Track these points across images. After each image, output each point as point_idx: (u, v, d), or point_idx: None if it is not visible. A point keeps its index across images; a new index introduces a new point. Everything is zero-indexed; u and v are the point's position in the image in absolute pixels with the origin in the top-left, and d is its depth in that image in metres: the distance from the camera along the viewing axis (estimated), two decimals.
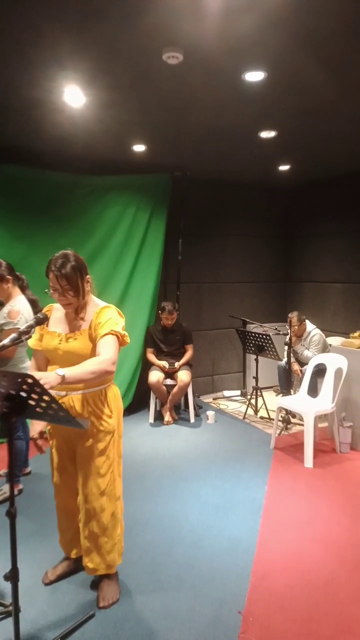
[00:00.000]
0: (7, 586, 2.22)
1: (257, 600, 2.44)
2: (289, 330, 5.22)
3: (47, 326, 2.37)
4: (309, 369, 4.76)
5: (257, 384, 5.48)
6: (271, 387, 6.43)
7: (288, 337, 5.24)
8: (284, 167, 5.62)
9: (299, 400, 4.55)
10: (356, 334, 4.68)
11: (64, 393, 2.26)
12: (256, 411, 5.54)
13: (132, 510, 3.25)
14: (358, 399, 4.42)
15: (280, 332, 5.66)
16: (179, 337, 5.38)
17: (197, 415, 5.48)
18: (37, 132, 4.21)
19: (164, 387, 5.22)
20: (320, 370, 4.71)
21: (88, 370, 2.04)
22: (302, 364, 5.37)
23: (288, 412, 5.08)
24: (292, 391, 5.30)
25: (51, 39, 2.60)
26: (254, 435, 4.90)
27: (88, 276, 2.32)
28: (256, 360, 5.46)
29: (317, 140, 4.55)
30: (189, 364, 5.35)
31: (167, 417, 5.26)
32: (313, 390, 4.73)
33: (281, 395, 5.55)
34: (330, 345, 5.00)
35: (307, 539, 3.00)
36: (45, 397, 1.71)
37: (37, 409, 1.78)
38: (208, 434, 4.95)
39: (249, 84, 3.20)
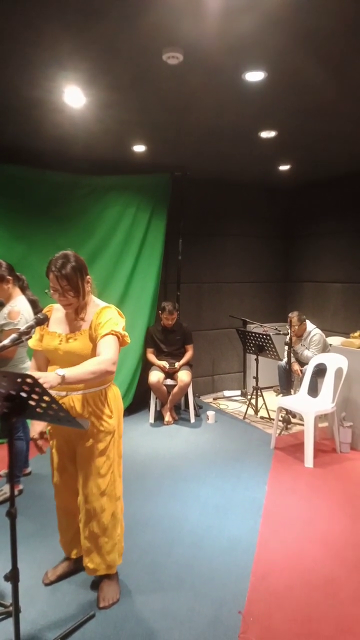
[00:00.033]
0: (8, 586, 2.22)
1: (257, 600, 2.44)
2: (289, 330, 5.22)
3: (47, 326, 2.37)
4: (309, 369, 4.76)
5: (257, 384, 5.48)
6: (271, 387, 6.42)
7: (288, 337, 5.24)
8: (284, 167, 5.62)
9: (299, 400, 4.55)
10: (356, 334, 4.68)
11: (64, 393, 2.26)
12: (256, 411, 5.54)
13: (132, 511, 3.25)
14: (358, 399, 4.42)
15: (281, 332, 5.66)
16: (179, 337, 5.38)
17: (197, 415, 5.48)
18: (37, 132, 4.21)
19: (164, 387, 5.22)
20: (320, 370, 4.71)
21: (88, 371, 2.04)
22: (303, 364, 5.37)
23: (288, 412, 5.08)
24: (292, 391, 5.30)
25: (51, 38, 2.60)
26: (254, 435, 4.90)
27: (88, 276, 2.32)
28: (256, 360, 5.46)
29: (317, 140, 4.55)
30: (189, 364, 5.35)
31: (168, 417, 5.26)
32: (313, 390, 4.73)
33: (281, 395, 5.55)
34: (330, 345, 5.00)
35: (307, 539, 3.00)
36: (46, 398, 1.71)
37: (38, 410, 1.78)
38: (208, 434, 4.95)
39: (249, 84, 3.20)
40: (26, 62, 2.89)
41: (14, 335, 2.08)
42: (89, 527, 2.35)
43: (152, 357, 5.34)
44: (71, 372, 1.98)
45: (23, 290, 3.45)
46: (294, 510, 3.36)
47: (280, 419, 4.92)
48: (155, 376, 5.11)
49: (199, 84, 3.23)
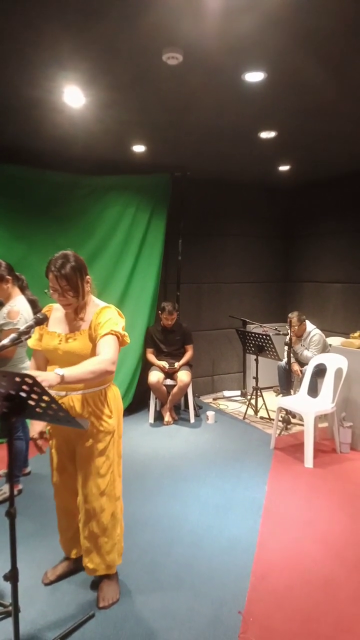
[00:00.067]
0: (7, 586, 2.22)
1: (257, 600, 2.44)
2: (289, 331, 5.22)
3: (46, 326, 2.37)
4: (309, 369, 4.76)
5: (257, 384, 5.48)
6: (271, 387, 6.43)
7: (288, 337, 5.24)
8: (284, 167, 5.63)
9: (299, 401, 4.55)
10: (356, 334, 4.68)
11: (63, 393, 2.26)
12: (256, 411, 5.54)
13: (132, 510, 3.25)
14: (358, 399, 4.42)
15: (280, 332, 5.66)
16: (179, 337, 5.38)
17: (197, 415, 5.48)
18: (37, 132, 4.21)
19: (164, 388, 5.22)
20: (320, 371, 4.71)
21: (88, 370, 2.04)
22: (302, 364, 5.37)
23: (288, 412, 5.08)
24: (292, 391, 5.30)
25: (51, 38, 2.60)
26: (254, 436, 4.90)
27: (88, 276, 2.31)
28: (256, 360, 5.46)
29: (317, 140, 4.55)
30: (188, 364, 5.35)
31: (167, 417, 5.26)
32: (313, 391, 4.73)
33: (281, 395, 5.55)
34: (330, 345, 5.00)
35: (307, 539, 3.00)
36: (45, 398, 1.71)
37: (37, 409, 1.78)
38: (208, 434, 4.95)
39: (248, 84, 3.20)
40: (26, 62, 2.89)
41: (13, 335, 2.08)
42: (89, 527, 2.35)
43: (151, 357, 5.34)
44: (70, 372, 1.98)
45: (22, 290, 3.45)
46: (294, 510, 3.36)
47: (280, 419, 4.92)
48: (155, 376, 5.11)
49: (198, 84, 3.23)
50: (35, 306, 3.40)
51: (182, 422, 5.31)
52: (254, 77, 3.08)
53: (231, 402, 6.17)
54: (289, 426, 5.04)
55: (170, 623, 2.28)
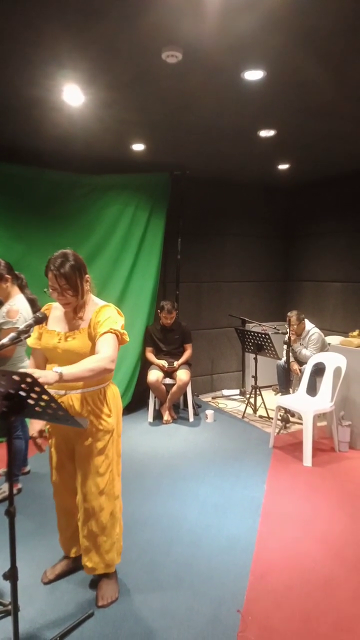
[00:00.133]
0: (6, 585, 2.23)
1: (256, 599, 2.44)
2: (288, 330, 5.23)
3: (46, 325, 2.37)
4: (307, 368, 4.76)
5: (256, 383, 5.49)
6: (270, 386, 6.43)
7: (287, 336, 5.24)
8: (283, 167, 5.62)
9: (298, 399, 4.55)
10: (355, 333, 4.68)
11: (63, 392, 2.26)
12: (255, 410, 5.55)
13: (131, 510, 3.25)
14: (357, 398, 4.42)
15: (280, 331, 5.66)
16: (178, 336, 5.38)
17: (196, 414, 5.48)
18: (37, 131, 4.21)
19: (163, 386, 5.22)
20: (319, 369, 4.72)
21: (86, 368, 2.04)
22: (301, 363, 5.37)
23: (287, 411, 5.09)
24: (291, 390, 5.30)
25: (51, 38, 2.60)
26: (253, 434, 4.91)
27: (87, 275, 2.31)
28: (255, 359, 5.46)
29: (317, 140, 4.55)
30: (188, 363, 5.35)
31: (166, 416, 5.27)
32: (312, 389, 4.74)
33: (280, 394, 5.55)
34: (329, 344, 5.01)
35: (306, 538, 3.00)
36: (44, 396, 1.71)
37: (36, 408, 1.78)
38: (207, 433, 4.95)
39: (248, 82, 3.19)
40: (26, 62, 2.88)
41: (12, 334, 2.08)
42: (88, 526, 2.36)
43: (151, 356, 5.34)
44: (69, 370, 1.98)
45: (22, 289, 3.45)
46: (293, 509, 3.36)
47: (279, 418, 4.92)
48: (154, 375, 5.11)
49: (198, 82, 3.22)
50: (34, 305, 3.40)
51: (181, 421, 5.31)
52: (254, 75, 3.08)
53: (230, 401, 6.17)
54: (287, 425, 5.05)
55: (169, 622, 2.28)
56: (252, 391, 5.60)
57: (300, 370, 5.27)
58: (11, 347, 2.99)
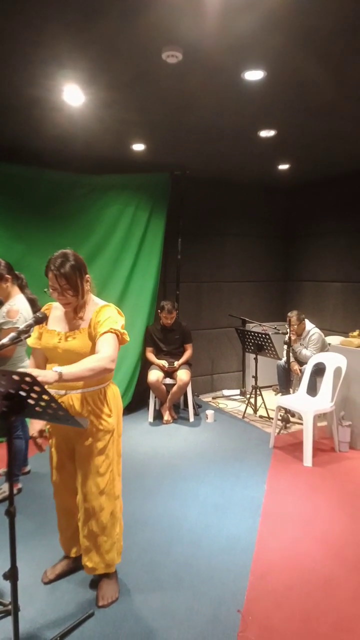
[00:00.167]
0: (7, 585, 2.23)
1: (256, 599, 2.44)
2: (288, 330, 5.23)
3: (46, 325, 2.37)
4: (308, 368, 4.76)
5: (256, 383, 5.49)
6: (270, 386, 6.43)
7: (287, 336, 5.24)
8: (283, 167, 5.62)
9: (298, 399, 4.55)
10: (355, 333, 4.68)
11: (63, 392, 2.26)
12: (255, 410, 5.55)
13: (132, 510, 3.25)
14: (357, 398, 4.42)
15: (280, 332, 5.66)
16: (178, 336, 5.38)
17: (196, 414, 5.48)
18: (37, 131, 4.21)
19: (164, 386, 5.22)
20: (319, 370, 4.72)
21: (86, 368, 2.04)
22: (302, 363, 5.37)
23: (287, 411, 5.09)
24: (291, 390, 5.30)
25: (51, 37, 2.60)
26: (253, 435, 4.91)
27: (87, 275, 2.31)
28: (255, 359, 5.46)
29: (317, 140, 4.55)
30: (188, 363, 5.35)
31: (167, 416, 5.27)
32: (312, 389, 4.74)
33: (280, 394, 5.55)
34: (329, 344, 5.01)
35: (306, 538, 3.00)
36: (45, 396, 1.71)
37: (37, 408, 1.78)
38: (207, 433, 4.95)
39: (248, 82, 3.20)
40: (26, 61, 2.88)
41: (12, 334, 2.08)
42: (88, 526, 2.35)
43: (151, 356, 5.34)
44: (69, 370, 1.98)
45: (22, 288, 3.45)
46: (293, 509, 3.36)
47: (279, 418, 4.92)
48: (154, 375, 5.11)
49: (198, 82, 3.22)
50: (34, 305, 3.40)
51: (181, 421, 5.31)
52: (254, 75, 3.08)
53: (230, 401, 6.17)
54: (288, 425, 5.05)
55: (169, 622, 2.28)
56: (252, 391, 5.60)
57: (300, 370, 5.27)
58: (11, 347, 3.00)
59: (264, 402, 5.45)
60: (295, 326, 5.31)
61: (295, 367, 5.36)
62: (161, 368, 5.22)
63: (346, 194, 6.00)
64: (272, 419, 4.79)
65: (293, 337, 5.34)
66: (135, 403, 5.56)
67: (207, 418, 5.31)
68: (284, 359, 5.40)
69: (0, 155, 4.67)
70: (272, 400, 5.70)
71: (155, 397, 5.36)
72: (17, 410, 1.77)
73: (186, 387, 5.20)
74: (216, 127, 4.19)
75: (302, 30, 2.54)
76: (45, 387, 1.70)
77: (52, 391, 1.99)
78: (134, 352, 5.41)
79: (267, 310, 6.95)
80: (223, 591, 2.50)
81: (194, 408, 5.42)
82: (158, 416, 5.40)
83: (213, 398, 6.28)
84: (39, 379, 1.69)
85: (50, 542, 2.88)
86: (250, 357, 5.85)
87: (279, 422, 4.96)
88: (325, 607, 2.39)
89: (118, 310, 2.35)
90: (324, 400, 4.41)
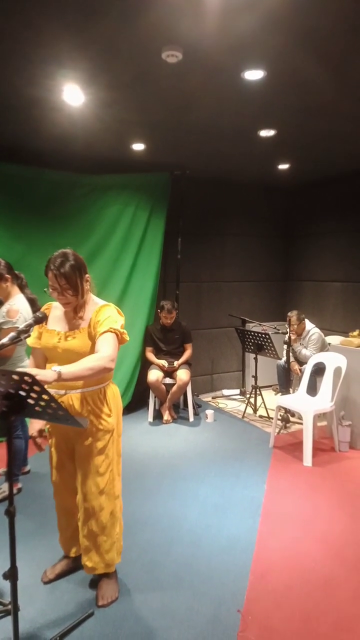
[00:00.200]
0: (6, 585, 2.23)
1: (256, 599, 2.44)
2: (288, 329, 5.23)
3: (46, 324, 2.37)
4: (308, 368, 4.76)
5: (256, 382, 5.49)
6: (270, 386, 6.43)
7: (287, 336, 5.24)
8: (283, 166, 5.62)
9: (298, 399, 4.55)
10: (355, 333, 4.68)
11: (63, 392, 2.26)
12: (255, 410, 5.55)
13: (131, 509, 3.25)
14: (357, 398, 4.42)
15: (280, 331, 5.66)
16: (178, 336, 5.38)
17: (196, 414, 5.48)
18: (36, 131, 4.21)
19: (163, 386, 5.22)
20: (319, 369, 4.72)
21: (86, 367, 2.04)
22: (302, 363, 5.37)
23: (287, 410, 5.08)
24: (291, 390, 5.30)
25: (51, 37, 2.60)
26: (253, 434, 4.91)
27: (87, 275, 2.31)
28: (255, 359, 5.46)
29: (317, 140, 4.55)
30: (188, 363, 5.36)
31: (166, 416, 5.27)
32: (312, 389, 4.74)
33: (280, 394, 5.55)
34: (329, 344, 5.01)
35: (306, 538, 3.00)
36: (44, 396, 1.71)
37: (36, 408, 1.78)
38: (207, 433, 4.95)
39: (248, 82, 3.19)
40: (26, 61, 2.88)
41: (12, 334, 2.08)
42: (88, 526, 2.36)
43: (151, 355, 5.34)
44: (68, 369, 1.98)
45: (22, 288, 3.45)
46: (293, 509, 3.36)
47: (279, 417, 4.92)
48: (154, 375, 5.11)
49: (198, 82, 3.22)
50: (34, 305, 3.40)
51: (181, 421, 5.31)
52: (254, 75, 3.08)
53: (230, 400, 6.17)
54: (288, 425, 5.05)
55: (169, 622, 2.28)
56: (252, 391, 5.60)
57: (300, 370, 5.27)
58: (11, 347, 3.00)
59: (263, 402, 5.45)
60: (295, 326, 5.31)
61: (295, 367, 5.36)
62: (161, 368, 5.22)
63: (346, 194, 6.00)
64: (272, 418, 4.79)
65: (293, 337, 5.34)
66: (135, 403, 5.56)
67: (207, 418, 5.31)
68: (284, 358, 5.40)
69: (0, 155, 4.67)
70: (272, 400, 5.70)
71: (155, 397, 5.36)
72: (17, 410, 1.77)
73: (186, 386, 5.20)
74: (216, 127, 4.19)
75: (302, 30, 2.54)
76: (45, 386, 1.70)
77: (51, 391, 1.99)
78: (134, 351, 5.41)
79: (267, 310, 6.95)
80: (223, 591, 2.50)
81: (193, 408, 5.42)
82: (158, 416, 5.40)
83: (213, 398, 6.28)
84: (37, 377, 1.69)
85: (50, 542, 2.88)
86: (250, 356, 5.85)
87: (279, 422, 4.96)
88: (325, 607, 2.39)
89: (118, 309, 2.35)
90: (324, 400, 4.41)
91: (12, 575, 1.86)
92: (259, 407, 5.54)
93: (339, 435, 4.41)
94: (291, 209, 6.95)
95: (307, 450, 4.14)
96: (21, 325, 2.18)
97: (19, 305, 3.27)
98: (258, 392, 5.54)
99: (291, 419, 5.13)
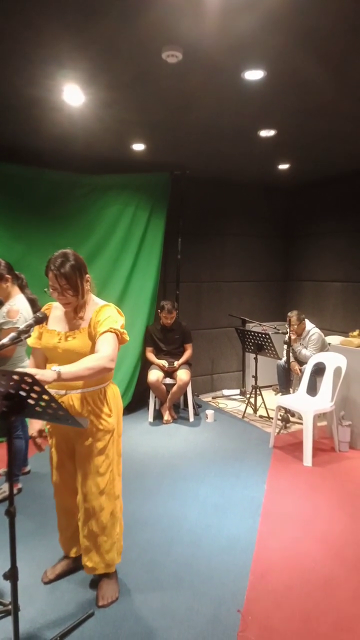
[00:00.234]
0: (7, 585, 2.23)
1: (256, 599, 2.44)
2: (288, 329, 5.23)
3: (46, 325, 2.37)
4: (308, 368, 4.76)
5: (256, 382, 5.49)
6: (270, 386, 6.43)
7: (287, 336, 5.24)
8: (283, 166, 5.62)
9: (298, 399, 4.55)
10: (355, 333, 4.68)
11: (63, 392, 2.26)
12: (255, 410, 5.55)
13: (132, 509, 3.25)
14: (357, 398, 4.42)
15: (280, 331, 5.66)
16: (178, 336, 5.38)
17: (196, 414, 5.48)
18: (37, 131, 4.21)
19: (164, 386, 5.22)
20: (319, 369, 4.72)
21: (85, 367, 2.04)
22: (302, 363, 5.37)
23: (287, 411, 5.09)
24: (291, 390, 5.30)
25: (51, 37, 2.60)
26: (253, 434, 4.91)
27: (87, 275, 2.31)
28: (255, 359, 5.46)
29: (317, 140, 4.55)
30: (188, 363, 5.36)
31: (167, 416, 5.27)
32: (312, 389, 4.74)
33: (280, 394, 5.55)
34: (329, 344, 5.01)
35: (306, 538, 3.00)
36: (45, 396, 1.71)
37: (36, 408, 1.78)
38: (207, 433, 4.95)
39: (248, 82, 3.19)
40: (26, 61, 2.88)
41: (13, 334, 2.08)
42: (88, 526, 2.36)
43: (151, 356, 5.34)
44: (67, 369, 1.98)
45: (22, 288, 3.45)
46: (293, 509, 3.36)
47: (279, 417, 4.92)
48: (154, 375, 5.11)
49: (198, 82, 3.22)
50: (34, 305, 3.40)
51: (181, 421, 5.31)
52: (254, 75, 3.08)
53: (230, 400, 6.17)
54: (288, 425, 5.05)
55: (169, 622, 2.28)
56: (252, 391, 5.60)
57: (300, 370, 5.27)
58: (11, 347, 2.99)
59: (263, 402, 5.45)
60: (295, 326, 5.31)
61: (296, 367, 5.36)
62: (161, 368, 5.22)
63: (346, 194, 6.00)
64: (272, 418, 4.79)
65: (293, 337, 5.34)
66: (135, 403, 5.56)
67: (207, 418, 5.31)
68: (284, 358, 5.40)
69: (0, 155, 4.67)
70: (272, 400, 5.70)
71: (155, 397, 5.36)
72: (17, 410, 1.77)
73: (186, 387, 5.20)
74: (216, 127, 4.19)
75: (302, 30, 2.54)
76: (45, 387, 1.70)
77: (52, 391, 1.99)
78: (134, 352, 5.41)
79: (267, 310, 6.95)
80: (223, 591, 2.50)
81: (194, 408, 5.42)
82: (158, 416, 5.40)
83: (213, 398, 6.29)
84: (37, 377, 1.69)
85: (50, 542, 2.88)
86: (250, 357, 5.85)
87: (279, 422, 4.96)
88: (325, 607, 2.39)
89: (118, 309, 2.35)
90: (324, 400, 4.41)
91: (12, 575, 1.86)
92: (259, 407, 5.54)
93: (339, 435, 4.41)
94: (291, 209, 6.95)
95: (307, 450, 4.14)
96: (21, 326, 2.18)
97: (19, 306, 3.26)
98: (258, 392, 5.54)
99: (291, 419, 5.13)
